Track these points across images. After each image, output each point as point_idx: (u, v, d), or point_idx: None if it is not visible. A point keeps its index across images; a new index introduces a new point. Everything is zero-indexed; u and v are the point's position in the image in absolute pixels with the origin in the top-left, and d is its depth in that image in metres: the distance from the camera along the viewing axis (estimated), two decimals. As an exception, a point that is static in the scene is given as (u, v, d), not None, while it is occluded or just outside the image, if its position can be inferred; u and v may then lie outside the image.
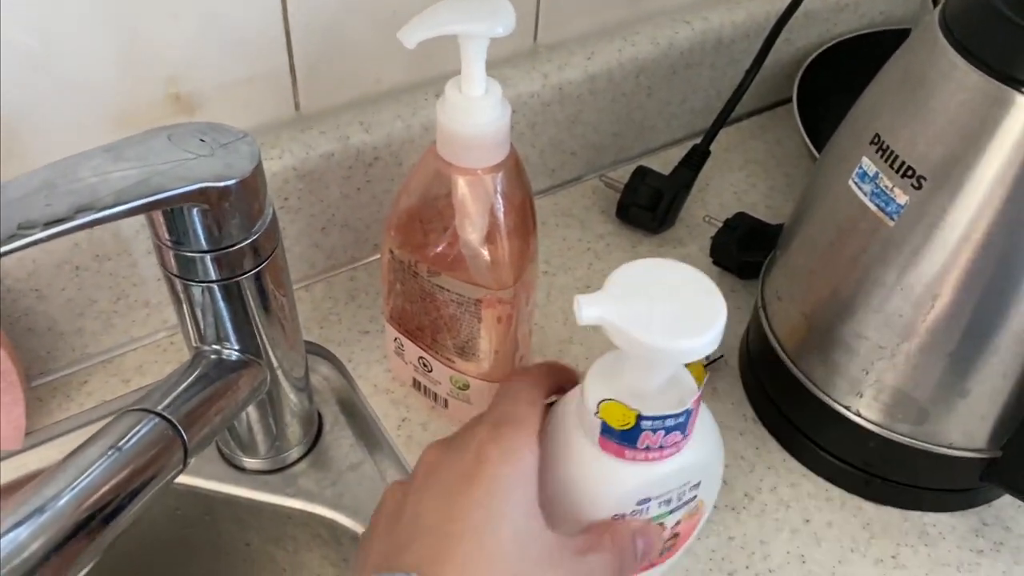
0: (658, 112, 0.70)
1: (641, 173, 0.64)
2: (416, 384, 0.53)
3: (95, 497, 0.35)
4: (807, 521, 0.49)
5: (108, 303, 0.53)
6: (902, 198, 0.40)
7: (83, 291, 0.51)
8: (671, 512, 0.40)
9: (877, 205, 0.42)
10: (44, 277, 0.49)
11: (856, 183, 0.43)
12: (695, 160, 0.65)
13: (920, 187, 0.40)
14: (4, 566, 0.32)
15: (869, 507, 0.50)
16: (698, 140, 0.65)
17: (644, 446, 0.36)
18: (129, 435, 0.36)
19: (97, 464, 0.35)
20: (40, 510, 0.34)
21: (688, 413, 0.35)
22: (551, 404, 0.40)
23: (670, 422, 0.35)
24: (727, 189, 0.69)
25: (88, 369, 0.54)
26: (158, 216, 0.39)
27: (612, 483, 0.37)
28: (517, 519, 0.34)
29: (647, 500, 0.38)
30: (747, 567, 0.47)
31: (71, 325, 0.52)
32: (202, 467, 0.52)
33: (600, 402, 0.35)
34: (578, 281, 0.62)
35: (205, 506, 0.53)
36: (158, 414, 0.37)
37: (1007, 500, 0.51)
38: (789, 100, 0.70)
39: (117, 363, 0.55)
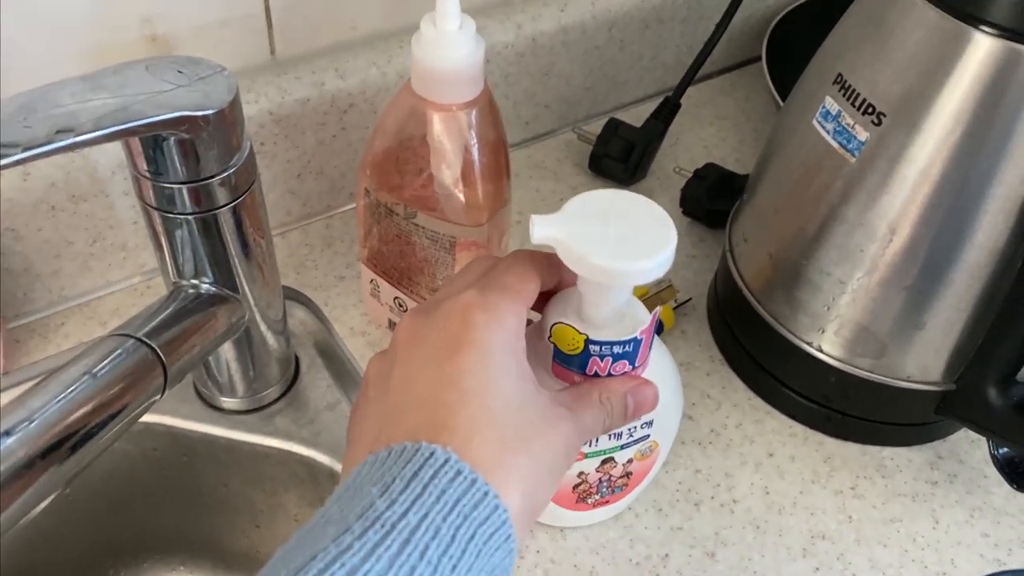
0: (630, 66, 0.71)
1: (613, 125, 0.66)
2: (391, 325, 0.54)
3: (71, 419, 0.36)
4: (770, 455, 0.51)
5: (85, 245, 0.53)
6: (863, 135, 0.42)
7: (59, 232, 0.52)
8: (622, 447, 0.41)
9: (839, 143, 0.43)
10: (21, 217, 0.50)
11: (820, 122, 0.44)
12: (666, 113, 0.66)
13: (880, 123, 0.41)
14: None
15: (830, 442, 0.52)
16: (669, 95, 0.66)
17: (593, 372, 0.36)
18: (110, 358, 0.37)
19: (75, 386, 0.36)
20: (11, 431, 0.34)
21: (636, 343, 0.36)
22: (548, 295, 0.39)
23: (617, 349, 0.36)
24: (697, 143, 0.71)
25: (65, 312, 0.55)
26: (136, 146, 0.39)
27: None
28: (511, 383, 0.33)
29: None
30: (712, 497, 0.49)
31: (48, 267, 0.53)
32: (180, 407, 0.53)
33: (553, 325, 0.36)
34: (551, 230, 0.63)
35: (184, 447, 0.54)
36: (139, 339, 0.38)
37: (961, 435, 0.53)
38: (759, 58, 0.72)
39: (94, 306, 0.55)
